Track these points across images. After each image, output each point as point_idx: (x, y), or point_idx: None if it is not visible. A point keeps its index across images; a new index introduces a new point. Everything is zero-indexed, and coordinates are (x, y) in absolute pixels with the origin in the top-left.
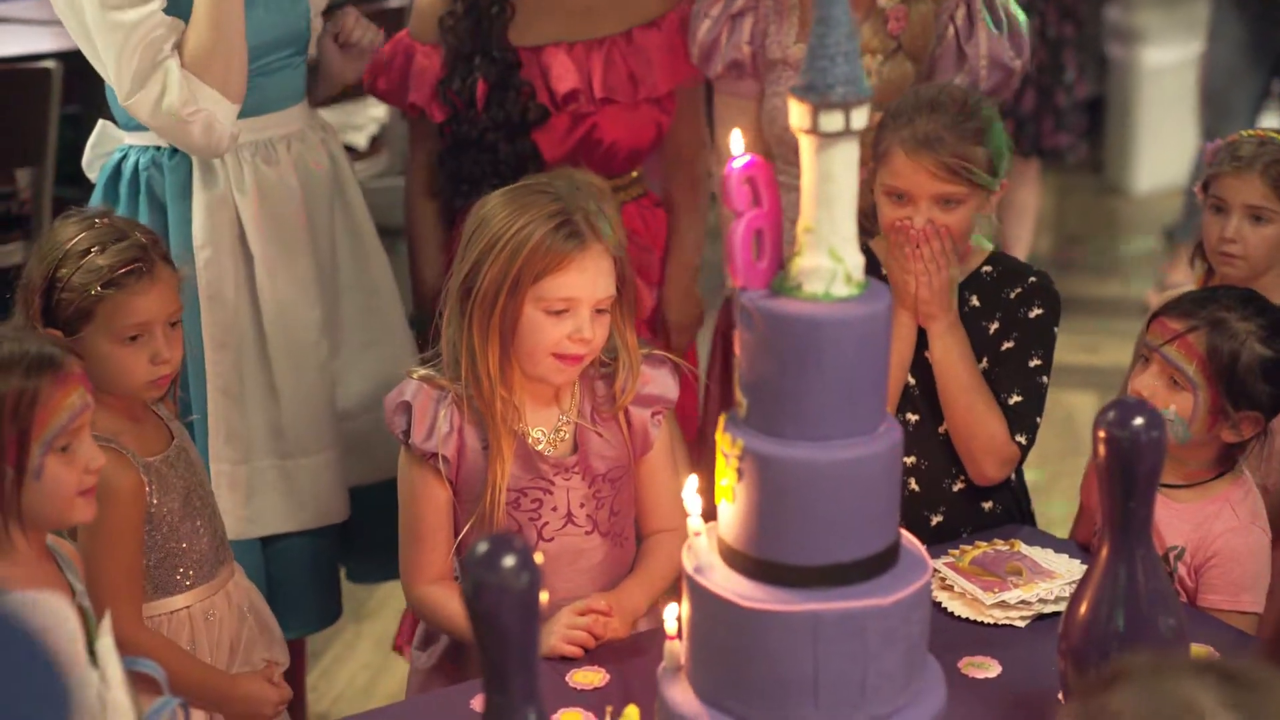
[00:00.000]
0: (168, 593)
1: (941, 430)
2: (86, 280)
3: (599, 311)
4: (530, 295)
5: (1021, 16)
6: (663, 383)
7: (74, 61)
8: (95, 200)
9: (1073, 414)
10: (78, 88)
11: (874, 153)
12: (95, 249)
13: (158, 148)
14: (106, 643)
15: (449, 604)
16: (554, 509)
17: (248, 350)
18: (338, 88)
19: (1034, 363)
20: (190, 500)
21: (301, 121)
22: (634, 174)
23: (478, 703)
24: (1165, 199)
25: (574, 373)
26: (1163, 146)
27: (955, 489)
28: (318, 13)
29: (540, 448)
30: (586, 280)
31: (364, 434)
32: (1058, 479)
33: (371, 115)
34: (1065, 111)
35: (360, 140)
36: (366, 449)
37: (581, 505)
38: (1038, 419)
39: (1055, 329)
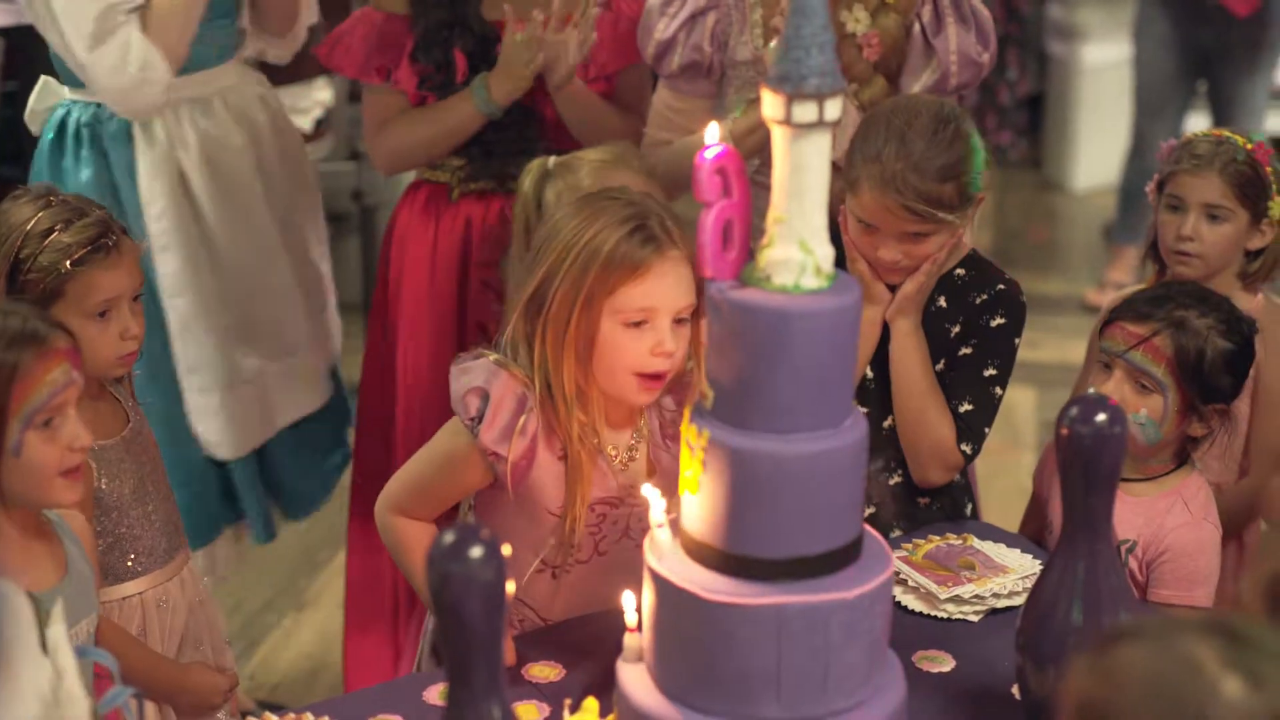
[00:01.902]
0: (118, 579)
1: (886, 424)
2: (54, 259)
3: (678, 322)
4: (606, 308)
5: (984, 10)
6: None
7: (14, 38)
8: (40, 154)
9: (1011, 409)
10: (18, 65)
11: (844, 177)
12: (58, 227)
13: (99, 104)
14: (58, 630)
15: (419, 545)
16: (614, 523)
17: (205, 291)
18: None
19: (989, 372)
20: (143, 485)
21: (236, 77)
22: None
23: (431, 694)
24: (1103, 196)
25: (657, 393)
26: (1101, 144)
27: (891, 483)
28: None
29: (614, 465)
30: (666, 288)
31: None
32: (995, 475)
33: (316, 99)
34: (1008, 109)
35: (305, 124)
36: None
37: (640, 520)
38: (986, 429)
39: (1016, 340)
